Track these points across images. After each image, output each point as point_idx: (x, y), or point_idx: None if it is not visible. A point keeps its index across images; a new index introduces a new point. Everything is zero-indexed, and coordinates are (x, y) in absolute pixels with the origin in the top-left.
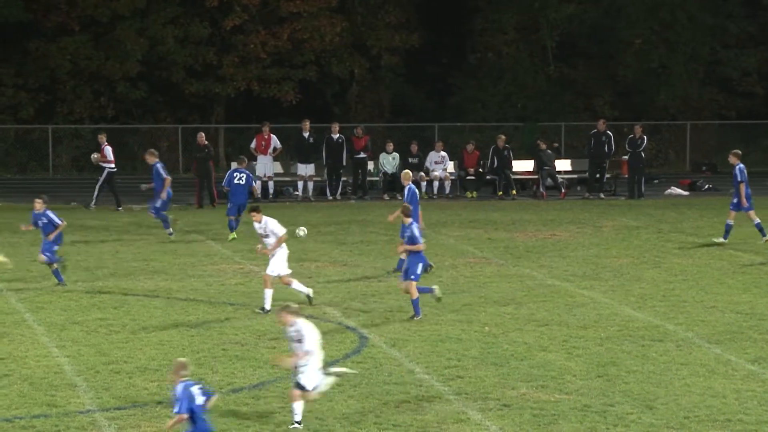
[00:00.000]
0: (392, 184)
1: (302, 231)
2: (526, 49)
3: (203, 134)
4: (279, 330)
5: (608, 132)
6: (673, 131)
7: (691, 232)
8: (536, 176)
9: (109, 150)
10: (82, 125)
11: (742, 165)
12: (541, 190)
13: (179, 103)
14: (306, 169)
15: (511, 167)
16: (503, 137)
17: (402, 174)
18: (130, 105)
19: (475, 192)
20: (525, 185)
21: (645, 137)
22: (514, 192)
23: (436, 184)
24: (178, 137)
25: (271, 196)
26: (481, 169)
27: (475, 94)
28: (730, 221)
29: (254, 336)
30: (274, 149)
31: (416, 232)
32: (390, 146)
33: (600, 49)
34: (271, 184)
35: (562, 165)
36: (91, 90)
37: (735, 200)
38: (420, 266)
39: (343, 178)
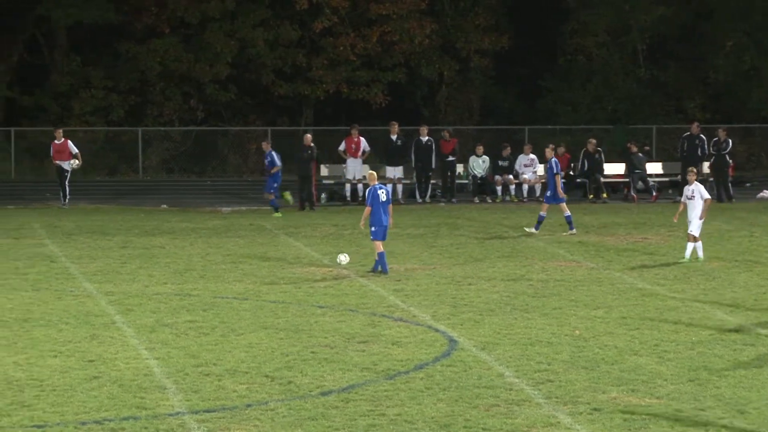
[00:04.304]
0: (482, 187)
1: (344, 258)
2: (617, 51)
3: (310, 135)
4: (369, 333)
5: (701, 135)
6: (765, 134)
7: None
8: (627, 179)
9: (71, 144)
10: (171, 127)
11: (555, 159)
12: (632, 193)
13: (268, 106)
14: (394, 172)
15: (602, 170)
16: (594, 141)
17: (368, 174)
18: (220, 107)
19: (565, 195)
20: (616, 188)
21: (730, 140)
22: (605, 195)
23: (525, 187)
24: (267, 139)
25: (360, 198)
26: (571, 172)
27: (565, 97)
28: (543, 213)
29: (343, 339)
30: (363, 152)
31: None
32: (480, 149)
33: (691, 51)
34: (360, 186)
35: (654, 168)
36: (181, 92)
37: (549, 193)
38: None
39: (433, 181)
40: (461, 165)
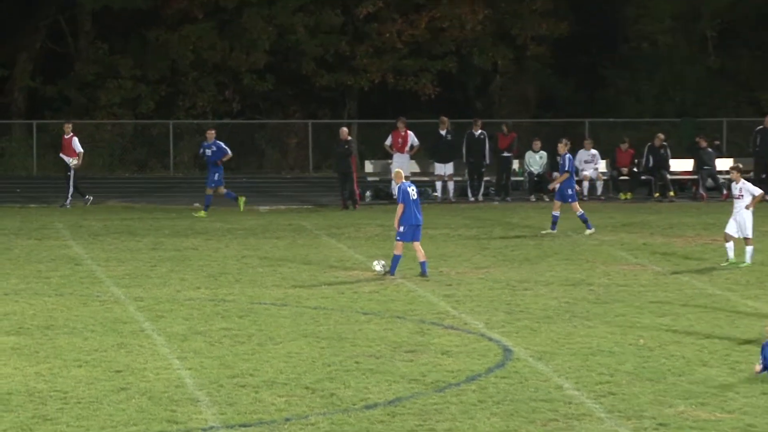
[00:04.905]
0: (539, 185)
1: (379, 265)
2: (684, 38)
3: (346, 129)
4: (417, 342)
5: None
6: None
7: None
8: (695, 176)
9: (77, 141)
10: (204, 120)
11: (569, 155)
12: (701, 191)
13: (309, 97)
14: (444, 169)
15: (668, 167)
16: (661, 135)
17: (394, 173)
18: (257, 98)
19: (629, 193)
20: (683, 186)
21: None
22: (671, 193)
23: (586, 184)
24: (308, 133)
25: None
26: (635, 169)
27: (628, 87)
28: (580, 212)
29: (390, 348)
30: (411, 147)
31: None
32: (537, 144)
33: (765, 37)
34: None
35: (724, 164)
36: (215, 82)
37: (570, 191)
38: None
39: (486, 178)
40: (517, 161)
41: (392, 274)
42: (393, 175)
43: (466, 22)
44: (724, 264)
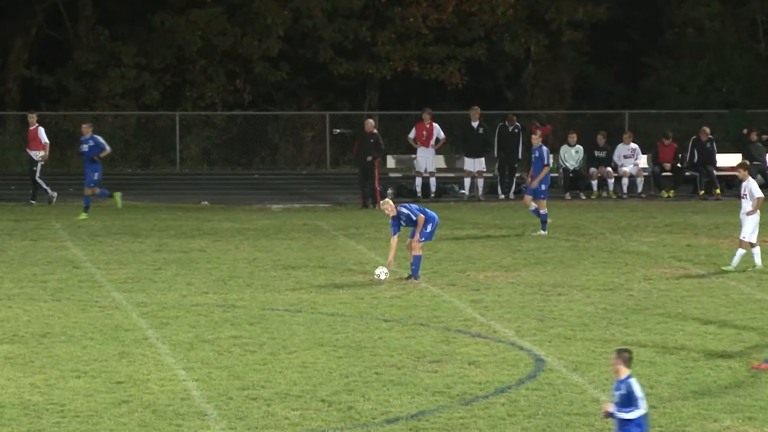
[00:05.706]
0: (575, 182)
1: (383, 273)
2: (733, 23)
3: (372, 121)
4: (442, 351)
5: None
6: None
7: None
8: None
9: (42, 132)
10: (214, 112)
11: (546, 148)
12: None
13: (326, 87)
14: (474, 164)
15: (714, 162)
16: (707, 128)
17: (383, 204)
18: (270, 88)
19: (672, 191)
20: (731, 183)
21: None
22: (718, 191)
23: (625, 181)
24: (325, 126)
25: (432, 195)
26: (679, 165)
27: (671, 76)
28: (544, 211)
29: (412, 357)
30: (437, 140)
31: None
32: (573, 137)
33: None
34: (433, 180)
35: None
36: (225, 71)
37: (543, 187)
38: None
39: (518, 174)
40: (551, 156)
41: (416, 278)
42: (383, 206)
43: (496, 5)
44: (750, 270)
